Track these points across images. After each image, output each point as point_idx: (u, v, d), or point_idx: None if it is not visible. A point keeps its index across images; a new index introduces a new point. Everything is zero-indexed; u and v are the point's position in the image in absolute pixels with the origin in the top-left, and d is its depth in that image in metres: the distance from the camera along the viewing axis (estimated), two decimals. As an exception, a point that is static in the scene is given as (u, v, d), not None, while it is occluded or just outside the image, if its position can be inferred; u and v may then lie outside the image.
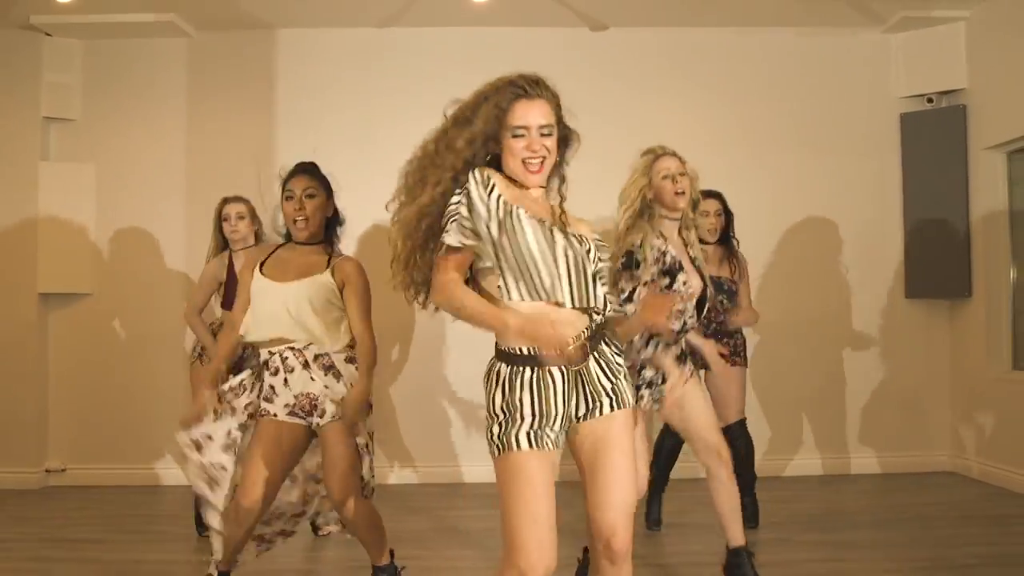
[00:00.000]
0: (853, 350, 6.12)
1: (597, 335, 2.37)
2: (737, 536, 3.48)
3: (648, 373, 3.34)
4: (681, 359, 3.42)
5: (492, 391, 2.34)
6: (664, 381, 3.35)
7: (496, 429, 2.30)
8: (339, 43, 6.17)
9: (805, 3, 5.72)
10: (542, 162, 2.38)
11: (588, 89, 6.05)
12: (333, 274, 3.32)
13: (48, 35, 5.98)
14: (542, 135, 2.38)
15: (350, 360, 3.33)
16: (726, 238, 4.64)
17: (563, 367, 2.29)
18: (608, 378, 2.36)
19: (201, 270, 4.81)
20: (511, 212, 2.29)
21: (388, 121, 6.05)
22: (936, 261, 5.99)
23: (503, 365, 2.34)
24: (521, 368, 2.31)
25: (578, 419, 2.34)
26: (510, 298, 2.30)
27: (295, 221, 3.35)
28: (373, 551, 3.44)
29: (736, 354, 4.54)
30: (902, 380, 6.14)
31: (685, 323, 3.38)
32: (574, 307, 2.30)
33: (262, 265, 3.36)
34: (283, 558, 4.02)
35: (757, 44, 6.23)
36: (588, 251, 2.36)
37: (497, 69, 6.56)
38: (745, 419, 4.57)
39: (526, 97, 2.38)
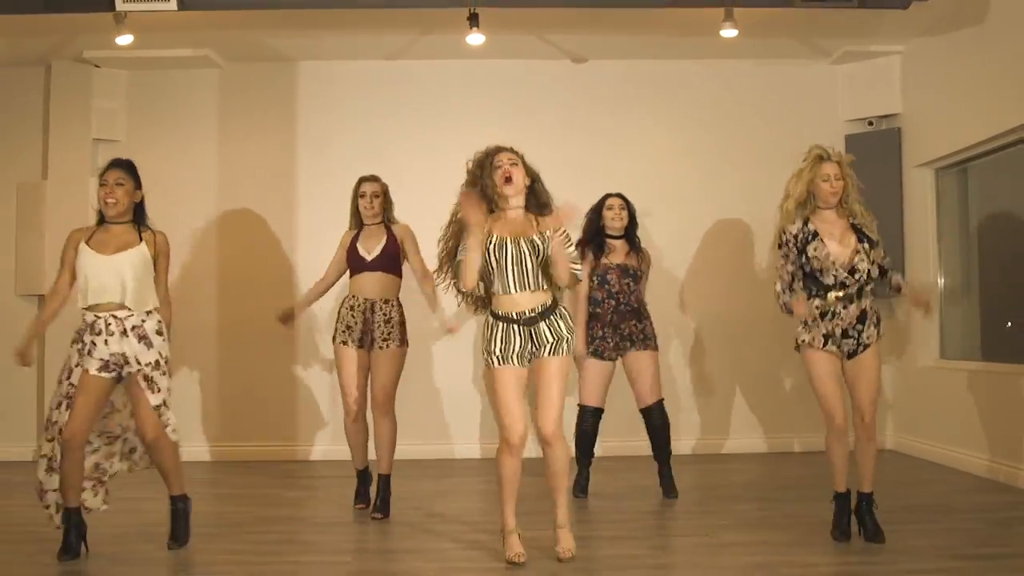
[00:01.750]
0: (804, 342, 6.93)
1: (550, 310, 3.86)
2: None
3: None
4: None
5: (486, 333, 3.90)
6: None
7: (486, 354, 3.86)
8: (352, 74, 7.03)
9: (762, 39, 6.51)
10: (511, 177, 3.83)
11: (570, 113, 6.97)
12: (147, 245, 4.08)
13: (97, 67, 6.83)
14: (511, 164, 3.86)
15: (159, 332, 4.07)
16: (629, 235, 5.41)
17: (520, 325, 3.83)
18: (553, 337, 3.86)
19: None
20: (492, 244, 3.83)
21: (395, 142, 6.94)
22: (876, 264, 6.80)
23: (491, 319, 3.89)
24: (498, 322, 3.87)
25: (533, 357, 3.86)
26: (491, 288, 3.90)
27: (106, 203, 4.05)
28: (173, 483, 4.11)
29: (647, 339, 5.31)
30: (848, 369, 6.95)
31: (844, 283, 4.09)
32: (519, 292, 3.82)
33: (88, 242, 4.04)
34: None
35: (720, 74, 7.07)
36: (536, 250, 3.79)
37: (490, 96, 7.52)
38: (663, 399, 5.36)
39: (500, 152, 3.91)
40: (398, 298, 5.00)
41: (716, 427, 6.99)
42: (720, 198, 6.96)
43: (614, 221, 5.38)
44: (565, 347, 3.86)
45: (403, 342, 4.95)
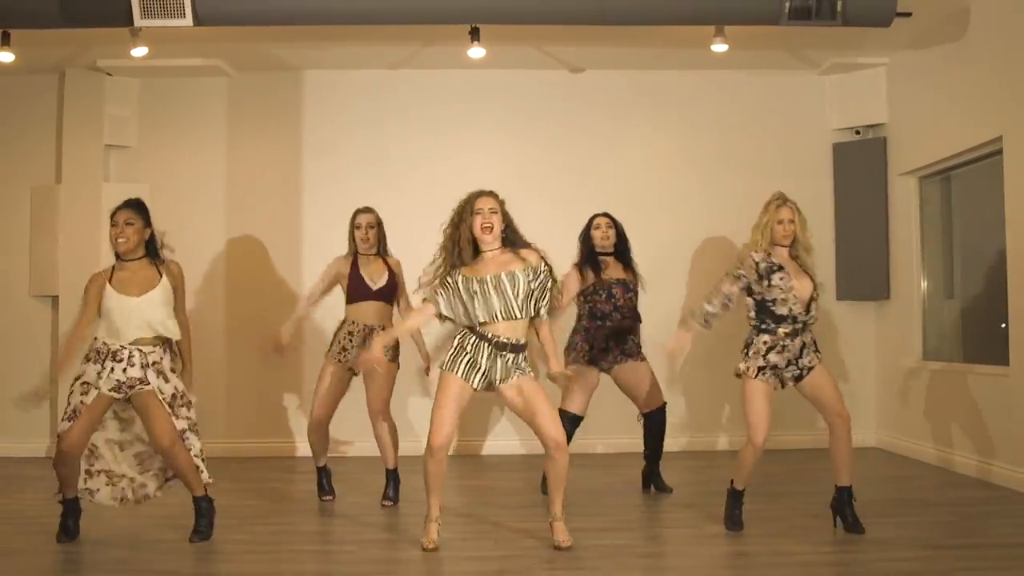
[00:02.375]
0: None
1: (521, 348, 4.08)
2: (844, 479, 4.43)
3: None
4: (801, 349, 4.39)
5: (454, 344, 4.13)
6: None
7: (447, 360, 4.09)
8: (356, 82, 7.25)
9: (753, 51, 6.72)
10: (492, 228, 4.06)
11: (567, 121, 7.21)
12: (168, 277, 4.30)
13: (109, 75, 7.05)
14: (491, 212, 4.07)
15: (173, 369, 4.28)
16: (620, 253, 5.57)
17: (491, 345, 4.02)
18: (517, 367, 4.06)
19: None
20: (467, 286, 4.04)
21: (397, 148, 7.18)
22: (862, 268, 7.06)
23: (468, 331, 4.09)
24: (472, 335, 4.07)
25: (499, 383, 4.05)
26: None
27: (117, 241, 4.24)
28: (193, 485, 4.31)
29: (638, 348, 5.49)
30: (835, 369, 7.03)
31: (796, 317, 4.34)
32: (502, 320, 4.02)
33: (111, 283, 4.20)
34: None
35: (713, 84, 7.30)
36: (516, 284, 4.01)
37: (491, 104, 7.75)
38: (665, 404, 5.55)
39: (480, 197, 4.11)
40: (391, 321, 5.24)
41: (710, 425, 7.22)
42: (715, 202, 7.17)
43: (603, 240, 5.53)
44: (525, 372, 4.07)
45: (393, 359, 5.21)
